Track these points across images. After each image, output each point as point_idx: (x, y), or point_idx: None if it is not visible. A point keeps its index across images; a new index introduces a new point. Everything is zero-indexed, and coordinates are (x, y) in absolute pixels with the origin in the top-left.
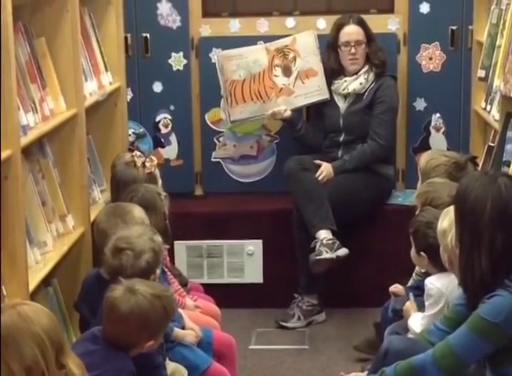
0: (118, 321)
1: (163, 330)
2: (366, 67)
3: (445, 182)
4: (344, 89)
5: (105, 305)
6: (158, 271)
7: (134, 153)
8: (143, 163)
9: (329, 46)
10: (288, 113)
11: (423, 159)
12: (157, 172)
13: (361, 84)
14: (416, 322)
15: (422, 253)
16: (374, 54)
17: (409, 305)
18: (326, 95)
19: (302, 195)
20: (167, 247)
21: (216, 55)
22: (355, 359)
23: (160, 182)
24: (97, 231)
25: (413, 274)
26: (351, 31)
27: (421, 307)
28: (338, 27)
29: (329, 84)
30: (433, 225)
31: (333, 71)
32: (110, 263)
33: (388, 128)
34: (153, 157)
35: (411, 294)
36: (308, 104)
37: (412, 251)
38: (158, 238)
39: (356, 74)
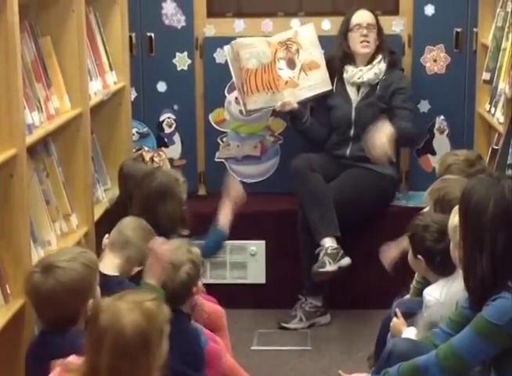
0: (48, 301)
1: (94, 286)
2: (380, 57)
3: (459, 178)
4: (358, 78)
5: (31, 295)
6: (200, 283)
7: (142, 148)
8: (151, 158)
9: (340, 34)
10: (295, 106)
11: (438, 163)
12: (168, 167)
13: (375, 74)
14: (412, 336)
15: (419, 256)
16: (386, 44)
17: (397, 321)
18: (330, 87)
19: (308, 197)
20: (186, 233)
21: (229, 44)
22: (357, 361)
23: None
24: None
25: (413, 281)
26: (363, 14)
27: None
28: (350, 14)
29: (340, 73)
30: (430, 229)
31: (344, 56)
32: None
33: (412, 116)
34: (162, 152)
35: (397, 310)
36: (312, 96)
37: (410, 255)
38: (196, 250)
39: (370, 63)
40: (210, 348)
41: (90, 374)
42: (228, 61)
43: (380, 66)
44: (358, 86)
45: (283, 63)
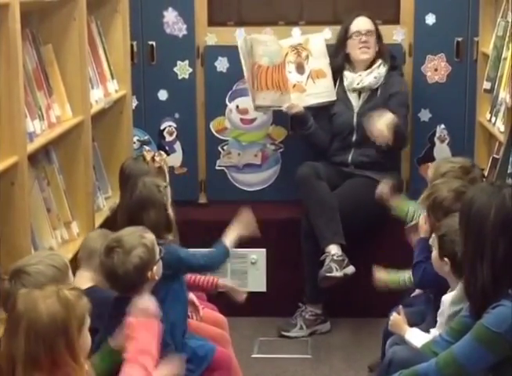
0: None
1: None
2: (379, 61)
3: (445, 180)
4: (358, 83)
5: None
6: (155, 268)
7: (143, 148)
8: (152, 157)
9: (339, 42)
10: (302, 109)
11: (431, 170)
12: (166, 167)
13: (375, 78)
14: (417, 338)
15: (445, 258)
16: (386, 49)
17: (398, 317)
18: (334, 98)
19: (314, 204)
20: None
21: (244, 36)
22: (357, 369)
23: (167, 176)
24: (89, 252)
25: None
26: (362, 21)
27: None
28: (349, 22)
29: (340, 80)
30: None
31: (343, 63)
32: (104, 264)
33: (406, 122)
34: (162, 152)
35: (400, 307)
36: (316, 104)
37: (435, 255)
38: (150, 235)
39: (370, 67)
40: (222, 352)
41: (7, 364)
42: (240, 53)
43: (379, 71)
44: (359, 92)
45: (292, 67)
